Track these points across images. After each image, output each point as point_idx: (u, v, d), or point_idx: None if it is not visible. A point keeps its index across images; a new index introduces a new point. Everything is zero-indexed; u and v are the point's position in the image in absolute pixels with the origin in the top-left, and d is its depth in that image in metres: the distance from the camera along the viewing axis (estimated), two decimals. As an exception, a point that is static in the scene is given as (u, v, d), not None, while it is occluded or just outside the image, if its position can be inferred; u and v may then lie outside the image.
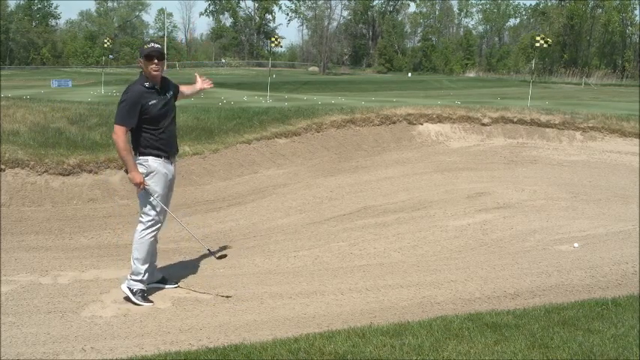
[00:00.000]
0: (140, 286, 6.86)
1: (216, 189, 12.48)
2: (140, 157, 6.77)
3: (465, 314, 6.09)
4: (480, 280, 7.71)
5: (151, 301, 6.83)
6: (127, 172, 6.78)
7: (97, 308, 6.63)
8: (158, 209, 6.81)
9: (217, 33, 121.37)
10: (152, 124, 6.71)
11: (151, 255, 6.98)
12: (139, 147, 6.77)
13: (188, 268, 8.02)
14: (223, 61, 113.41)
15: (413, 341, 5.20)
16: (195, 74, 8.00)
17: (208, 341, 5.73)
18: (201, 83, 7.69)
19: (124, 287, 6.87)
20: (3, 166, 11.23)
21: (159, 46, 6.87)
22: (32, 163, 11.46)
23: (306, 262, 8.60)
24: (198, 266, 8.22)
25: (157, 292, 7.09)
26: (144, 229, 6.83)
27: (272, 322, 6.29)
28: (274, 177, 13.46)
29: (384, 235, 9.87)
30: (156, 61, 6.73)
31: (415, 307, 6.78)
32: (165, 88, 6.98)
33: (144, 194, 6.78)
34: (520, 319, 5.82)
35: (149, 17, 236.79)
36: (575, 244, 9.22)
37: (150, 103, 6.66)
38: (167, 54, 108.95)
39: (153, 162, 6.77)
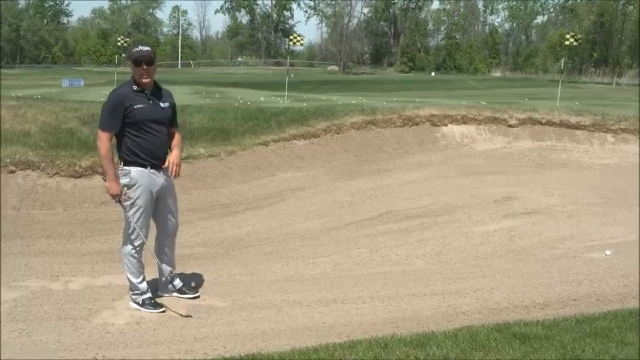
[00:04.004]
0: (144, 296, 6.83)
1: (233, 192, 12.50)
2: (124, 167, 6.58)
3: (491, 324, 6.04)
4: (507, 288, 7.65)
5: (162, 306, 6.82)
6: (105, 180, 6.56)
7: (109, 315, 6.63)
8: (139, 223, 6.65)
9: (233, 31, 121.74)
10: (136, 130, 6.49)
11: (143, 267, 6.90)
12: (123, 154, 6.58)
13: (203, 274, 8.01)
14: (240, 59, 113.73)
15: (437, 352, 5.16)
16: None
17: (224, 351, 5.72)
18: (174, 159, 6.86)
19: (131, 305, 6.87)
20: (13, 168, 11.32)
21: (148, 49, 6.59)
22: (43, 164, 11.54)
23: (326, 269, 8.57)
24: (214, 272, 8.21)
25: (171, 300, 7.09)
26: (127, 243, 6.73)
27: (290, 332, 6.26)
28: (292, 180, 13.46)
29: (406, 241, 9.83)
30: (144, 66, 6.47)
31: (440, 317, 6.73)
32: (158, 97, 6.70)
33: (126, 206, 6.63)
34: (550, 330, 5.76)
35: (163, 15, 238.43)
36: (608, 252, 9.12)
37: (135, 107, 6.42)
38: (181, 52, 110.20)
39: (136, 174, 6.55)
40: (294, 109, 17.91)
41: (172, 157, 6.83)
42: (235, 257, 9.15)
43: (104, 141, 6.42)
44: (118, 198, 6.55)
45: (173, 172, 6.82)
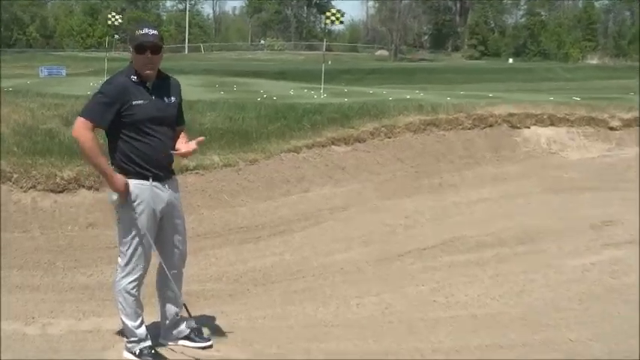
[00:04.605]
0: (143, 344, 6.85)
1: (254, 212, 12.52)
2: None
3: (589, 387, 5.99)
4: (608, 339, 7.58)
5: (165, 358, 6.85)
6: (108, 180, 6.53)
7: (98, 369, 6.68)
8: (138, 251, 6.66)
9: (255, 6, 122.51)
10: (134, 132, 6.48)
11: (142, 307, 6.91)
12: (118, 163, 6.57)
13: (217, 316, 8.03)
14: (263, 42, 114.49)
15: (519, 423, 5.13)
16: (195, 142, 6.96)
17: (244, 416, 5.73)
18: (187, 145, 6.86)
19: (126, 355, 6.89)
20: (-21, 180, 11.45)
21: (155, 32, 6.51)
22: (16, 175, 11.63)
23: (374, 312, 8.56)
24: (231, 315, 8.23)
25: (176, 349, 7.12)
26: (122, 277, 6.73)
27: (328, 393, 6.27)
28: (331, 197, 13.46)
29: (478, 276, 9.78)
30: (149, 55, 6.46)
31: (521, 376, 6.69)
32: (163, 89, 6.73)
33: (123, 227, 6.65)
34: (666, 396, 5.70)
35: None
36: None
37: (134, 103, 6.41)
38: (189, 33, 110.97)
39: (135, 187, 6.54)
40: (333, 106, 17.93)
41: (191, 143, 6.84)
42: (258, 296, 9.17)
43: (84, 131, 6.35)
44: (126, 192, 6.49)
45: (191, 148, 6.79)
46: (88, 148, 6.36)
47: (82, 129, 6.35)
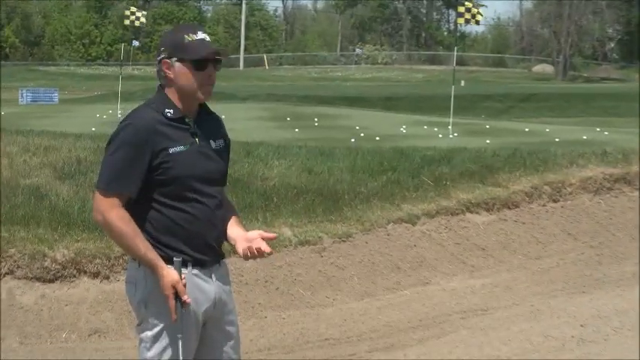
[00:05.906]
0: None
1: (346, 316, 12.56)
2: (140, 266, 6.35)
3: None
4: None
5: None
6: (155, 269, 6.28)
7: None
8: None
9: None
10: (169, 195, 6.28)
11: None
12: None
13: None
14: (359, 51, 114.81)
15: None
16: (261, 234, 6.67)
17: None
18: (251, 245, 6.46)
19: None
20: None
21: (209, 39, 6.37)
22: (-14, 256, 11.89)
23: None
24: None
25: None
26: None
27: None
28: (464, 293, 13.46)
29: None
30: (212, 68, 6.29)
31: None
32: (210, 128, 6.56)
33: (147, 337, 6.47)
34: None
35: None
36: None
37: (172, 151, 6.18)
38: (247, 39, 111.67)
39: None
40: (468, 153, 17.97)
41: (253, 235, 6.55)
42: None
43: (110, 211, 6.18)
44: (182, 292, 6.23)
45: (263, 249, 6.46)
46: (119, 234, 6.22)
47: (103, 209, 6.19)
